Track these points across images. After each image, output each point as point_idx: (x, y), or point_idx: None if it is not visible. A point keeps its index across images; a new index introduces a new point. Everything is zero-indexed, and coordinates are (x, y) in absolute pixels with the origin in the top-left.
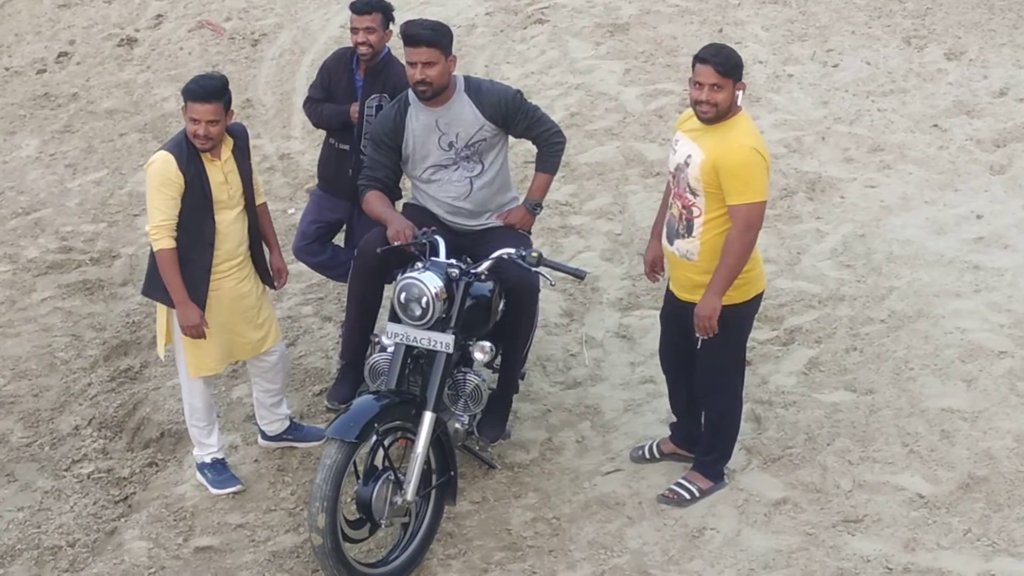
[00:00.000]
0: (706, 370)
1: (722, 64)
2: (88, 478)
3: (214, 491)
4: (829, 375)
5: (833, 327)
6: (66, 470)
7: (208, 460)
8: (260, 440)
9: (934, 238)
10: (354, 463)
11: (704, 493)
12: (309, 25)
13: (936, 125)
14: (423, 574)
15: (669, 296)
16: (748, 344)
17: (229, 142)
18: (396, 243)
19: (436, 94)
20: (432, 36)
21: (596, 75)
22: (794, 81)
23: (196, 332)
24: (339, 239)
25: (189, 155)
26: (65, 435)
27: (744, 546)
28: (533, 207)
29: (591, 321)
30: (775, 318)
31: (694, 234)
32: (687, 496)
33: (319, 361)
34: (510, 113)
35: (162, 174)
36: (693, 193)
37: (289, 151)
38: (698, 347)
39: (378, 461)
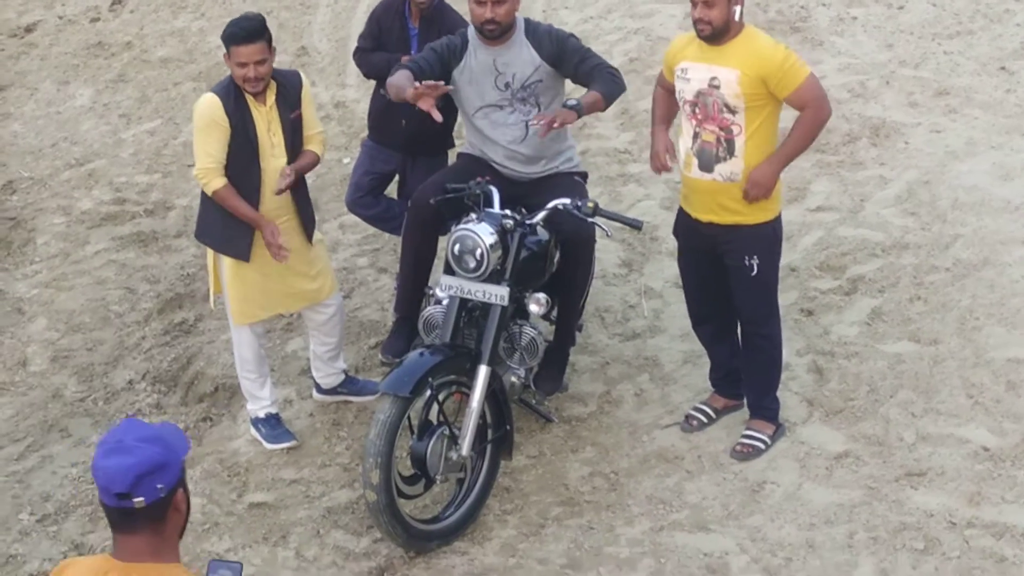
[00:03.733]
0: (760, 295)
1: None
2: None
3: (268, 446)
4: (892, 325)
5: (897, 276)
6: None
7: (262, 415)
8: (315, 394)
9: (1000, 184)
10: (408, 418)
11: (774, 438)
12: None
13: (1003, 68)
14: (479, 530)
15: (694, 224)
16: (809, 293)
17: (273, 88)
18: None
19: (504, 32)
20: None
21: (656, 19)
22: (858, 24)
23: (280, 253)
24: (392, 192)
25: (236, 99)
26: (119, 389)
27: (805, 500)
28: (571, 104)
29: (650, 271)
30: (837, 267)
31: (737, 153)
32: (762, 446)
33: (375, 313)
34: (564, 51)
35: (208, 116)
36: (732, 111)
37: (344, 99)
38: (753, 272)
39: (432, 416)
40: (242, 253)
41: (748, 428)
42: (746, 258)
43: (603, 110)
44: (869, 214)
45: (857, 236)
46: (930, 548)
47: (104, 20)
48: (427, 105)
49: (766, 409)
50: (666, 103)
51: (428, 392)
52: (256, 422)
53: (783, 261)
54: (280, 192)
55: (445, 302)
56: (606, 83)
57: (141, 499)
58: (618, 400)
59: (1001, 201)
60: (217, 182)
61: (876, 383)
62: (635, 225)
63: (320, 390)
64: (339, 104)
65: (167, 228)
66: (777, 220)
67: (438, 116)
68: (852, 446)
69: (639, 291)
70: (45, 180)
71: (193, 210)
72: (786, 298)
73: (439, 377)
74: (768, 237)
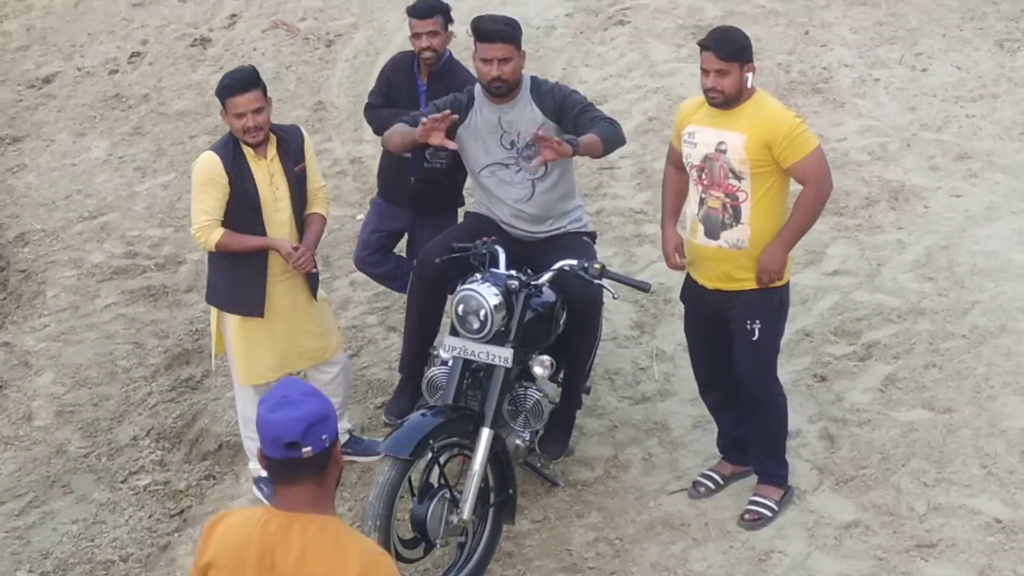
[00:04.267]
0: (760, 360)
1: (723, 49)
2: (144, 490)
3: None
4: (907, 392)
5: (912, 342)
6: (122, 482)
7: (264, 474)
8: None
9: (1020, 250)
10: (409, 480)
11: (781, 504)
12: (385, 26)
13: None
14: None
15: (701, 291)
16: (823, 359)
17: (273, 141)
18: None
19: (511, 90)
20: (507, 31)
21: (677, 79)
22: (880, 86)
23: (307, 266)
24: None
25: (235, 155)
26: (123, 445)
27: (812, 570)
28: (571, 140)
29: (662, 334)
30: (852, 332)
31: (743, 220)
32: (768, 513)
33: (382, 373)
34: (564, 105)
35: (207, 173)
36: (738, 177)
37: (360, 155)
38: (754, 337)
39: (433, 479)
40: (255, 309)
41: (755, 494)
42: (748, 322)
43: (600, 155)
44: (886, 279)
45: (873, 301)
46: None
47: (123, 72)
48: (438, 139)
49: (773, 475)
50: (676, 187)
51: (429, 454)
52: (259, 481)
53: (797, 326)
54: (305, 271)
55: (449, 363)
56: (604, 129)
57: (309, 448)
58: (626, 464)
59: (1020, 267)
60: (215, 234)
61: (888, 451)
62: (642, 287)
63: None
64: (355, 160)
65: (178, 283)
66: (784, 288)
67: (452, 145)
68: (862, 515)
69: (650, 353)
70: (57, 232)
71: (204, 264)
72: (799, 363)
73: (441, 439)
74: (772, 303)
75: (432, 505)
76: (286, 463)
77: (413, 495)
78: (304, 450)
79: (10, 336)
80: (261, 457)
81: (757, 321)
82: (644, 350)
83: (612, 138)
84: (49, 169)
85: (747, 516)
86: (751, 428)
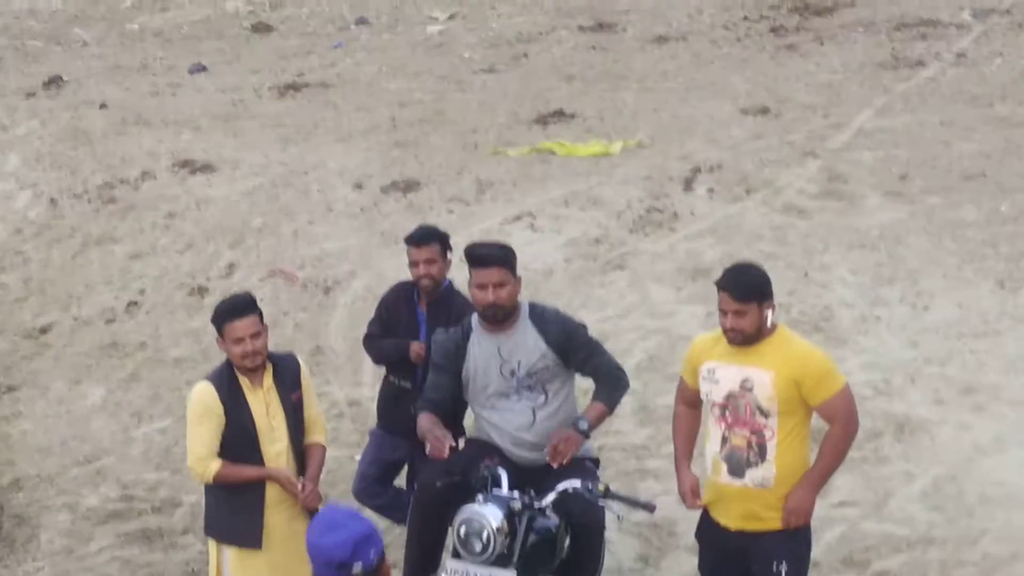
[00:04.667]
0: None
1: (738, 290)
2: None
3: None
4: None
5: (923, 571)
6: None
7: None
8: None
9: None
10: None
11: None
12: (384, 271)
13: None
14: None
15: (722, 532)
16: None
17: (269, 369)
18: (433, 456)
19: (507, 316)
20: (501, 255)
21: (677, 319)
22: (882, 323)
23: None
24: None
25: (231, 385)
26: None
27: None
28: (581, 427)
29: (667, 566)
30: (861, 562)
31: (768, 458)
32: None
33: None
34: (571, 342)
35: (202, 404)
36: (765, 415)
37: (359, 398)
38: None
39: None
40: (253, 541)
41: None
42: (775, 563)
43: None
44: (894, 509)
45: (881, 531)
46: None
47: (119, 321)
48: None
49: None
50: (688, 425)
51: None
52: None
53: None
54: (312, 506)
55: None
56: (609, 391)
57: (359, 563)
58: None
59: None
60: (213, 465)
61: None
62: (648, 508)
63: None
64: (353, 403)
65: (174, 525)
66: (808, 527)
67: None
68: None
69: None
70: (52, 478)
71: (201, 507)
72: None
73: None
74: (799, 543)
75: None
76: None
77: None
78: (354, 568)
79: None
80: None
81: (784, 563)
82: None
83: (616, 400)
84: (44, 416)
85: None
86: None
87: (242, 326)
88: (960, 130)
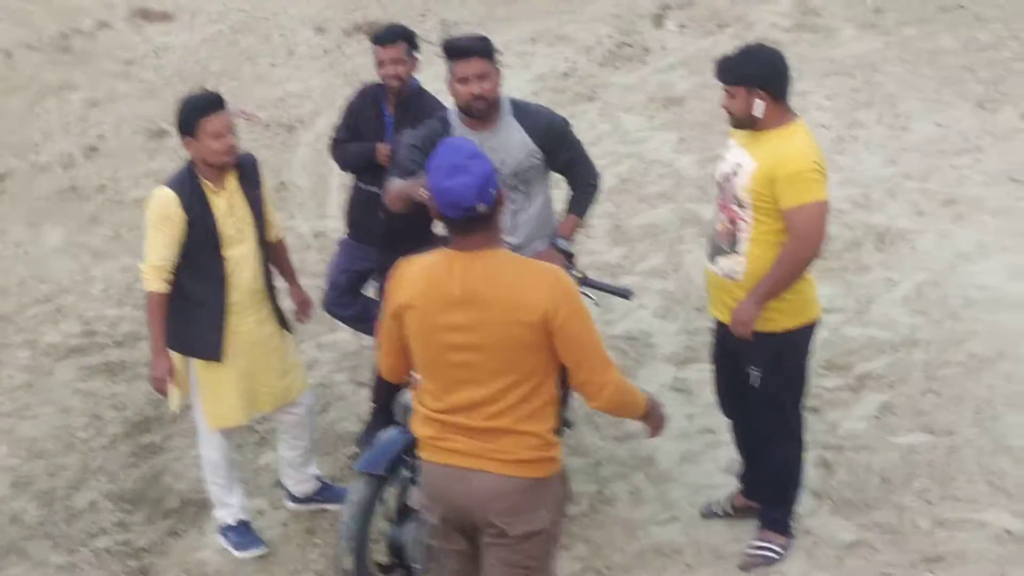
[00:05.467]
0: (764, 409)
1: (724, 72)
2: (105, 551)
3: (237, 554)
4: (904, 418)
5: (907, 371)
6: (81, 545)
7: (231, 521)
8: (288, 503)
9: (1016, 283)
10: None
11: (786, 549)
12: None
13: (1013, 179)
14: None
15: (717, 326)
16: (814, 391)
17: (234, 171)
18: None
19: (491, 110)
20: (481, 46)
21: (649, 144)
22: (860, 143)
23: (159, 386)
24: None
25: (192, 189)
26: (81, 511)
27: None
28: (561, 246)
29: (645, 375)
30: (843, 365)
31: (739, 250)
32: (774, 556)
33: (353, 425)
34: (557, 139)
35: (161, 210)
36: (740, 205)
37: (324, 229)
38: (754, 383)
39: (410, 500)
40: (213, 353)
41: (758, 538)
42: (748, 367)
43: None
44: (876, 314)
45: (864, 335)
46: None
47: (78, 166)
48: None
49: (777, 521)
50: None
51: (404, 473)
52: (225, 530)
53: None
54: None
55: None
56: (584, 201)
57: (484, 205)
58: (611, 498)
59: (1016, 298)
60: (156, 285)
61: (888, 474)
62: (624, 294)
63: (293, 499)
64: (319, 234)
65: (137, 358)
66: (790, 334)
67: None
68: (864, 535)
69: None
70: (10, 316)
71: None
72: None
73: (415, 457)
74: (773, 350)
75: (411, 527)
76: (463, 220)
77: (391, 520)
78: (479, 208)
79: None
80: (435, 212)
81: (754, 368)
82: None
83: (589, 210)
84: (1, 258)
85: (749, 559)
86: (762, 472)
87: (220, 120)
88: None
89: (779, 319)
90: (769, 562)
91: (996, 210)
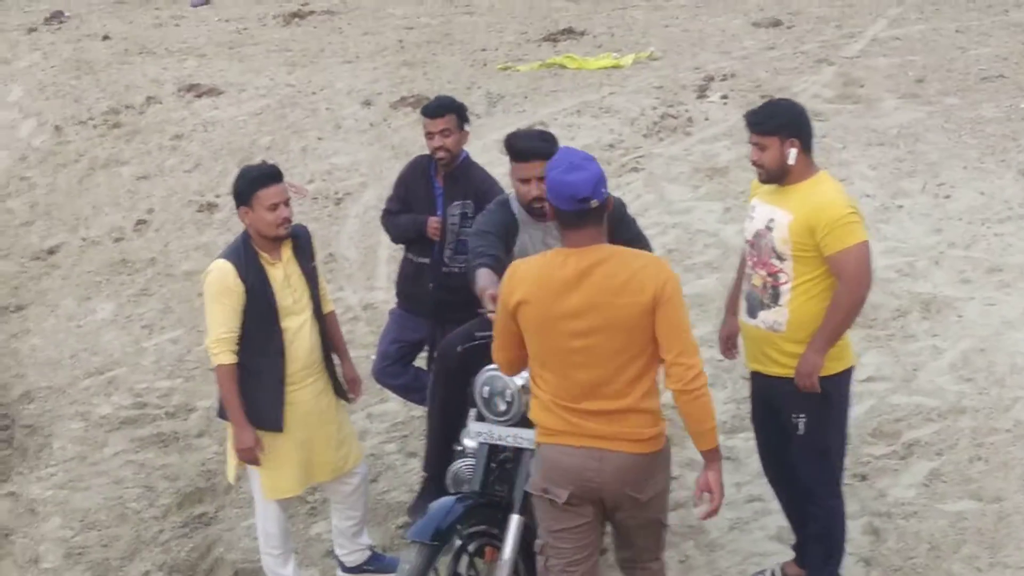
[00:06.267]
0: (809, 460)
1: (758, 124)
2: None
3: None
4: (952, 485)
5: (955, 439)
6: None
7: None
8: (340, 573)
9: None
10: (436, 572)
11: None
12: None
13: None
14: None
15: (753, 379)
16: (863, 459)
17: (288, 242)
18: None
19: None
20: (544, 148)
21: (694, 215)
22: (904, 212)
23: (250, 457)
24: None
25: (248, 260)
26: None
27: None
28: None
29: (692, 444)
30: (891, 433)
31: (781, 302)
32: None
33: (403, 495)
34: (617, 222)
35: (220, 283)
36: (780, 258)
37: (373, 301)
38: (799, 431)
39: (463, 570)
40: (273, 424)
41: None
42: (793, 415)
43: None
44: (923, 382)
45: (911, 403)
46: None
47: (128, 240)
48: None
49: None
50: (742, 272)
51: (457, 542)
52: None
53: None
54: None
55: (473, 447)
56: None
57: (596, 200)
58: None
59: None
60: (225, 357)
61: (937, 541)
62: None
63: (345, 568)
64: (368, 306)
65: (188, 429)
66: (834, 379)
67: None
68: None
69: (681, 463)
70: (63, 389)
71: (216, 410)
72: None
73: (469, 526)
74: (817, 396)
75: None
76: (577, 213)
77: None
78: (592, 202)
79: (15, 487)
80: (550, 208)
81: (802, 415)
82: (675, 460)
83: None
84: (54, 331)
85: None
86: (806, 528)
87: (276, 191)
88: (976, 36)
89: (826, 364)
90: None
91: None
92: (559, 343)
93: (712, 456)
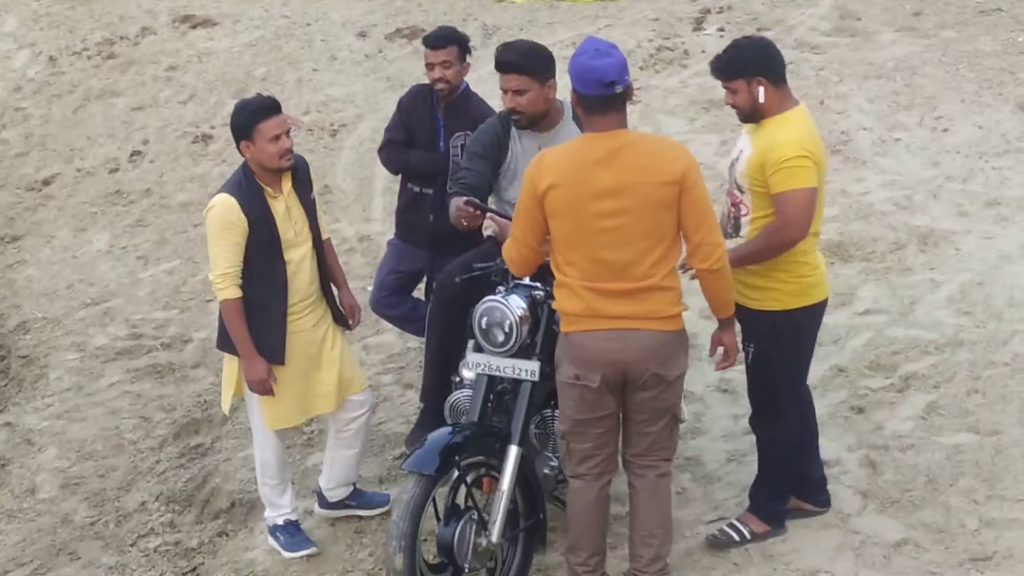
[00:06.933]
0: (755, 386)
1: (721, 71)
2: (154, 551)
3: (287, 554)
4: (949, 418)
5: (952, 372)
6: (131, 545)
7: (280, 522)
8: (318, 508)
9: None
10: (435, 503)
11: (757, 537)
12: (390, 114)
13: None
14: None
15: None
16: (860, 392)
17: (288, 175)
18: (463, 222)
19: (531, 123)
20: (521, 61)
21: (691, 147)
22: (901, 145)
23: (262, 388)
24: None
25: (251, 194)
26: (131, 512)
27: None
28: None
29: (690, 375)
30: (888, 366)
31: (741, 234)
32: (736, 538)
33: (400, 427)
34: None
35: (223, 217)
36: (740, 189)
37: (369, 232)
38: (748, 359)
39: (460, 500)
40: (275, 356)
41: (737, 517)
42: (744, 343)
43: None
44: (920, 315)
45: (908, 336)
46: None
47: (123, 171)
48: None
49: (760, 506)
50: None
51: (455, 472)
52: (274, 530)
53: (830, 362)
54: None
55: (471, 379)
56: None
57: (620, 86)
58: None
59: None
60: (231, 292)
61: (935, 473)
62: None
63: (324, 504)
64: (364, 237)
65: (184, 360)
66: (789, 314)
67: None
68: (911, 534)
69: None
70: (59, 320)
71: (211, 341)
72: (835, 397)
73: (466, 457)
74: (768, 328)
75: (459, 527)
76: (603, 98)
77: (439, 518)
78: (617, 87)
79: (12, 417)
80: (574, 96)
81: (751, 344)
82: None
83: None
84: (50, 263)
85: (716, 534)
86: (758, 450)
87: (276, 123)
88: None
89: (780, 298)
90: (729, 543)
91: None
92: (589, 224)
93: (728, 322)
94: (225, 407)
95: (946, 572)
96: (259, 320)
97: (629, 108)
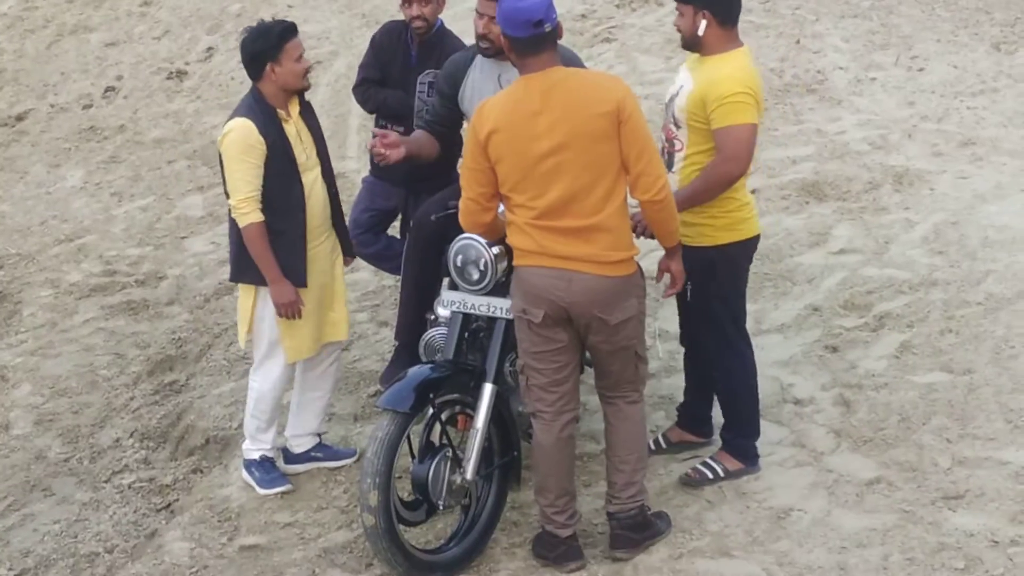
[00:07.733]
0: (700, 325)
1: None
2: (129, 488)
3: (261, 491)
4: (923, 357)
5: (926, 311)
6: (105, 481)
7: (256, 457)
8: (283, 464)
9: None
10: (409, 440)
11: (731, 474)
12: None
13: None
14: (485, 563)
15: None
16: (834, 331)
17: (296, 99)
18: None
19: (499, 51)
20: None
21: (666, 86)
22: (877, 84)
23: (291, 310)
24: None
25: (265, 117)
26: (105, 448)
27: (835, 526)
28: None
29: (664, 315)
30: (862, 305)
31: (674, 169)
32: (710, 475)
33: (374, 364)
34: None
35: (243, 141)
36: (676, 124)
37: (344, 170)
38: (686, 297)
39: (435, 437)
40: (298, 279)
41: (711, 455)
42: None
43: None
44: (895, 255)
45: (883, 275)
46: (971, 567)
47: (97, 106)
48: (399, 155)
49: (732, 444)
50: None
51: (430, 410)
52: (250, 465)
53: (804, 302)
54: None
55: (446, 316)
56: None
57: (549, 24)
58: None
59: None
60: (255, 216)
61: (907, 412)
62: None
63: (290, 459)
64: (339, 175)
65: (159, 297)
66: (723, 248)
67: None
68: (884, 472)
69: (653, 334)
70: (33, 256)
71: (186, 279)
72: (809, 336)
73: (441, 394)
74: (705, 263)
75: (434, 464)
76: (532, 39)
77: (414, 456)
78: (545, 26)
79: None
80: (505, 42)
81: (688, 282)
82: (647, 331)
83: None
84: (23, 199)
85: (690, 472)
86: (720, 395)
87: (298, 43)
88: None
89: (713, 234)
90: (703, 481)
91: (1013, 151)
92: (532, 164)
93: (675, 250)
94: (242, 342)
95: (918, 510)
96: (280, 244)
97: (604, 47)
